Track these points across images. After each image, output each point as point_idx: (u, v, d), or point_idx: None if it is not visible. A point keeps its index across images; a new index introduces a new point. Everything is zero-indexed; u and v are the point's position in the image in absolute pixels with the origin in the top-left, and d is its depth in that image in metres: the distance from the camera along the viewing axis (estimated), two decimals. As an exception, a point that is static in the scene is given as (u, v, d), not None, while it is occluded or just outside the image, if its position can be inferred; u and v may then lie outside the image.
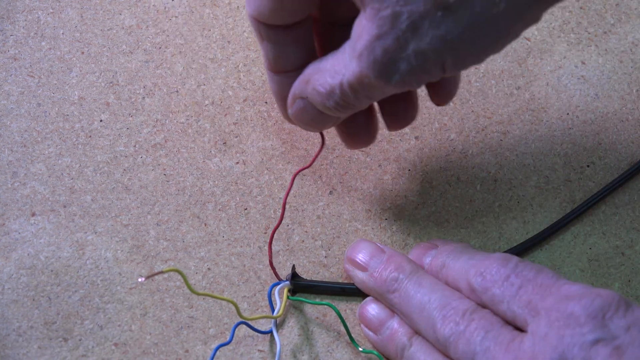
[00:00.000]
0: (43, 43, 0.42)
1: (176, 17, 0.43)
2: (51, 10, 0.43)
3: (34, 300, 0.35)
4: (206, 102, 0.41)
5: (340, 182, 0.39)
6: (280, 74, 0.32)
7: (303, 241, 0.38)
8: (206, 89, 0.41)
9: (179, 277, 0.36)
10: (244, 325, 0.34)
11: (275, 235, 0.36)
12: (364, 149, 0.40)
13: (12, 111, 0.40)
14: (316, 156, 0.35)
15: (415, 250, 0.36)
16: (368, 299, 0.35)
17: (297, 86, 0.31)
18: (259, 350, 0.35)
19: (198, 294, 0.33)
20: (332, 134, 0.40)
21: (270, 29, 0.30)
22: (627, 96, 0.42)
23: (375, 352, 0.34)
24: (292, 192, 0.39)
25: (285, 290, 0.35)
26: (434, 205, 0.39)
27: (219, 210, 0.38)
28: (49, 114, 0.40)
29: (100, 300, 0.35)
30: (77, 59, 0.42)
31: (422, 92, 0.40)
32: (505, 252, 0.37)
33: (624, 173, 0.39)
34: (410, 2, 0.25)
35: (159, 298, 0.36)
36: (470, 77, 0.43)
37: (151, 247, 0.37)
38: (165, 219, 0.38)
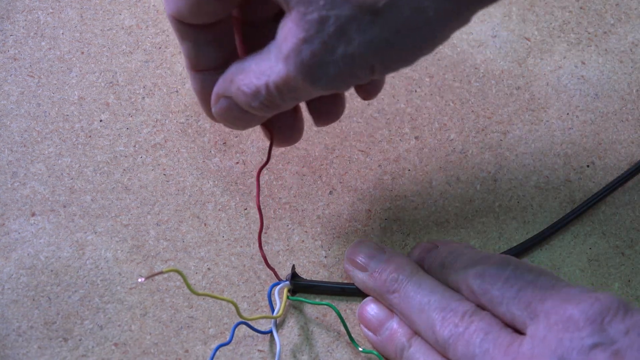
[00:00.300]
0: (43, 43, 0.42)
1: (176, 16, 0.43)
2: (51, 10, 0.43)
3: (34, 300, 0.35)
4: (206, 102, 0.41)
5: (340, 182, 0.39)
6: (201, 72, 0.32)
7: (303, 241, 0.38)
8: (206, 89, 0.41)
9: (179, 277, 0.36)
10: (244, 325, 0.34)
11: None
12: (362, 149, 0.40)
13: (12, 111, 0.40)
14: (269, 151, 0.35)
15: (415, 251, 0.36)
16: (368, 299, 0.35)
17: (221, 85, 0.31)
18: (258, 350, 0.35)
19: (198, 294, 0.33)
20: (331, 134, 0.40)
21: (190, 28, 0.29)
22: (627, 96, 0.42)
23: (375, 352, 0.34)
24: (292, 192, 0.39)
25: (285, 291, 0.35)
26: (434, 205, 0.39)
27: (219, 210, 0.38)
28: (49, 114, 0.40)
29: (100, 300, 0.35)
30: (77, 59, 0.42)
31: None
32: (505, 252, 0.37)
33: (624, 173, 0.39)
34: (337, 6, 0.24)
35: (159, 298, 0.36)
36: (470, 77, 0.43)
37: (151, 247, 0.37)
38: (165, 219, 0.38)
